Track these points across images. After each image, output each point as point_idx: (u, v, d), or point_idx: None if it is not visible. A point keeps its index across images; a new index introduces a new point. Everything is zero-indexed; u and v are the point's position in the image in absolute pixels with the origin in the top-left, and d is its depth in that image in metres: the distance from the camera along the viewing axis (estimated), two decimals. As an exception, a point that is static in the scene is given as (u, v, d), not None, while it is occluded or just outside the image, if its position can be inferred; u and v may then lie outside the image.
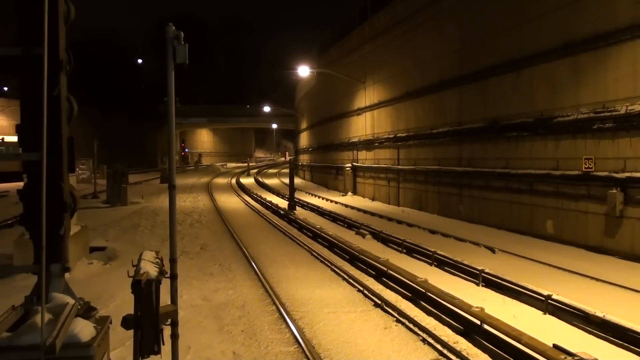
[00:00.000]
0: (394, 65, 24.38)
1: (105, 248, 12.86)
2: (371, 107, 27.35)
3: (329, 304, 8.56)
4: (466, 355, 6.22)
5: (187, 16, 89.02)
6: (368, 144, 27.72)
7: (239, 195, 31.14)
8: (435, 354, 6.38)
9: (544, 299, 7.76)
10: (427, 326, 7.23)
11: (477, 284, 9.49)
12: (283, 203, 23.85)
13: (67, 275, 4.25)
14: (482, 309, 6.70)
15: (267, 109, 65.98)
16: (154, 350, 4.12)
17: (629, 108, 11.21)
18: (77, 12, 4.33)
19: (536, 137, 14.17)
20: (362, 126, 28.86)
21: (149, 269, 4.23)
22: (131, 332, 4.13)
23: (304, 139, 50.37)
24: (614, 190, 11.50)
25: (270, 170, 69.30)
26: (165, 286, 4.39)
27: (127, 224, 18.48)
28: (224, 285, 9.84)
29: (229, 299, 8.90)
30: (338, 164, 33.40)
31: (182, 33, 4.61)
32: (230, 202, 27.61)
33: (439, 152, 19.81)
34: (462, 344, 6.62)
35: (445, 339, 6.76)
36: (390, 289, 9.32)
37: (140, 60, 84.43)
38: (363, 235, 15.06)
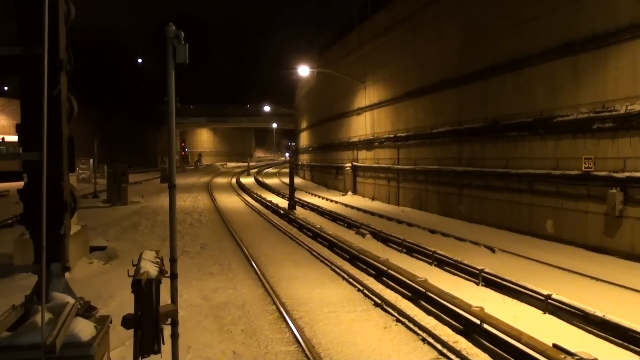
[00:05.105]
0: (394, 65, 24.38)
1: (106, 247, 12.84)
2: (371, 107, 27.34)
3: (328, 303, 8.57)
4: (466, 355, 6.22)
5: (187, 16, 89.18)
6: (368, 144, 27.72)
7: (239, 195, 31.13)
8: (435, 354, 6.38)
9: (543, 298, 7.77)
10: (427, 326, 7.23)
11: (477, 284, 9.50)
12: (283, 202, 23.84)
13: (67, 274, 4.26)
14: (482, 309, 6.70)
15: (267, 108, 66.00)
16: (154, 349, 4.13)
17: (629, 108, 11.20)
18: (77, 12, 4.34)
19: (536, 136, 14.17)
20: (362, 126, 28.86)
21: (149, 268, 4.23)
22: (131, 331, 4.14)
23: (304, 139, 50.35)
24: (614, 190, 11.49)
25: (270, 170, 69.33)
26: (165, 286, 4.40)
27: (127, 223, 18.48)
28: (224, 285, 9.84)
29: (229, 299, 8.90)
30: (338, 164, 33.39)
31: (182, 33, 4.62)
32: (230, 201, 27.61)
33: (439, 151, 19.81)
34: (462, 344, 6.62)
35: (445, 338, 6.76)
36: (390, 289, 9.31)
37: (140, 60, 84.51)
38: (363, 235, 15.05)
